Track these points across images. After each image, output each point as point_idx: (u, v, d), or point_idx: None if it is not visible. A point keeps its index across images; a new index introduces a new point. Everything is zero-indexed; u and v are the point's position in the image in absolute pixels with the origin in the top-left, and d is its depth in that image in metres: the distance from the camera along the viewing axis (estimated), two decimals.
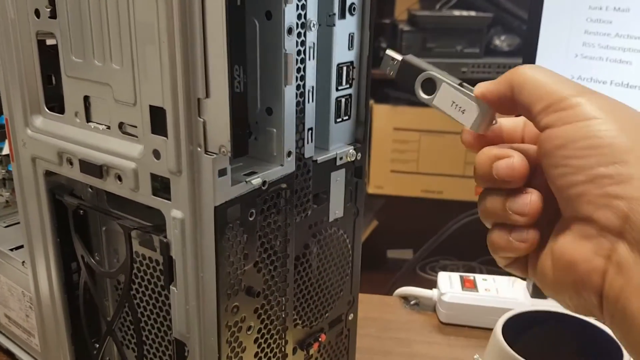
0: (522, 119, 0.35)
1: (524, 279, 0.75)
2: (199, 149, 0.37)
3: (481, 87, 0.34)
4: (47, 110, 0.46)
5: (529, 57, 0.64)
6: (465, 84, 0.36)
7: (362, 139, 0.53)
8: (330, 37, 0.47)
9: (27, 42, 0.45)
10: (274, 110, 0.42)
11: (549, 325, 0.56)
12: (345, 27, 0.48)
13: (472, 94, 0.34)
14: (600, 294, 0.29)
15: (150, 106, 0.38)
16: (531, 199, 0.31)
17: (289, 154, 0.43)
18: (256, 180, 0.41)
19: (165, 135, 0.38)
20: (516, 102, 0.32)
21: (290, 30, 0.40)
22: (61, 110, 0.46)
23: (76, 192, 0.49)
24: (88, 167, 0.43)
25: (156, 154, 0.39)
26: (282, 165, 0.43)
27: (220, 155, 0.37)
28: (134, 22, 0.37)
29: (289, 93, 0.42)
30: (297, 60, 0.43)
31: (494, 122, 0.35)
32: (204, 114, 0.37)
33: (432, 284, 0.78)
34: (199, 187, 0.38)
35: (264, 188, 0.42)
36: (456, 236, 1.54)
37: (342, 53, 0.48)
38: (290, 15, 0.40)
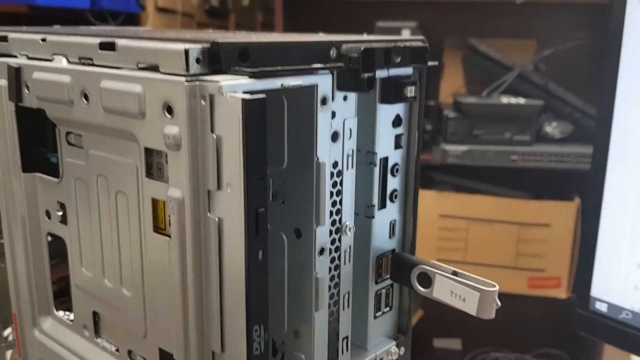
0: None
1: None
2: None
3: None
4: (56, 312, 0.42)
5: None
6: (459, 271, 0.35)
7: (405, 329, 0.47)
8: (369, 228, 0.42)
9: (36, 241, 0.41)
10: (302, 334, 0.37)
11: None
12: (386, 216, 0.43)
13: (466, 281, 0.34)
14: None
15: (160, 349, 0.33)
16: None
17: None
18: None
19: None
20: None
21: (322, 251, 0.36)
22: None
23: None
24: None
25: None
26: None
27: None
28: (145, 257, 0.33)
29: (321, 318, 0.37)
30: (329, 268, 0.38)
31: (496, 304, 0.34)
32: None
33: None
34: None
35: None
36: (508, 325, 1.44)
37: (383, 242, 0.43)
38: (322, 236, 0.35)
